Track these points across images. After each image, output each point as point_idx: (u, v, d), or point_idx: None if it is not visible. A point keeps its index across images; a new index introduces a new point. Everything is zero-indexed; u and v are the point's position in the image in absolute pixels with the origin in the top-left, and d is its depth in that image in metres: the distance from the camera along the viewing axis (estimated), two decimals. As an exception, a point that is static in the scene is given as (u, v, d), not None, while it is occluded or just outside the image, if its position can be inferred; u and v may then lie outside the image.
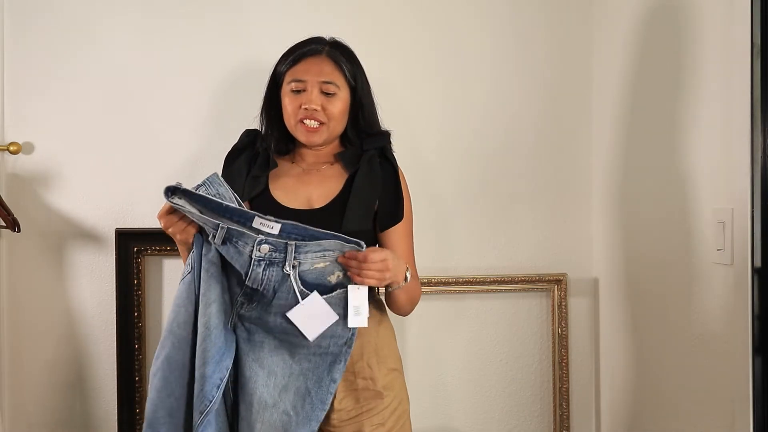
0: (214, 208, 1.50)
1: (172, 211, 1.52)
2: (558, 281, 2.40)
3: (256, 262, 1.50)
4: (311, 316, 1.51)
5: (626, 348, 2.27)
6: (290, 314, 1.51)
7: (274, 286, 1.52)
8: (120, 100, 2.22)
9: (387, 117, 2.30)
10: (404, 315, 1.77)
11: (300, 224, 1.53)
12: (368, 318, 1.59)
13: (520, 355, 2.43)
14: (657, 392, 2.08)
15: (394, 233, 1.72)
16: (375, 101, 1.77)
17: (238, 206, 1.53)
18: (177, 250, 2.18)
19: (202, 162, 2.20)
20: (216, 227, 1.49)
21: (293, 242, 1.50)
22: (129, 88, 2.22)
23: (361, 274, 1.52)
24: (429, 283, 2.34)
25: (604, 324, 2.41)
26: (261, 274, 1.52)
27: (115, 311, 2.18)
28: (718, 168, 1.77)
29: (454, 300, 2.39)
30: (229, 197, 1.54)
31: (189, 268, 1.58)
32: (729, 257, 1.72)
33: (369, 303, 1.60)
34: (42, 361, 2.20)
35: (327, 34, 1.78)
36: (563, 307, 2.40)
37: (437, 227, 2.37)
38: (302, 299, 1.51)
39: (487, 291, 2.38)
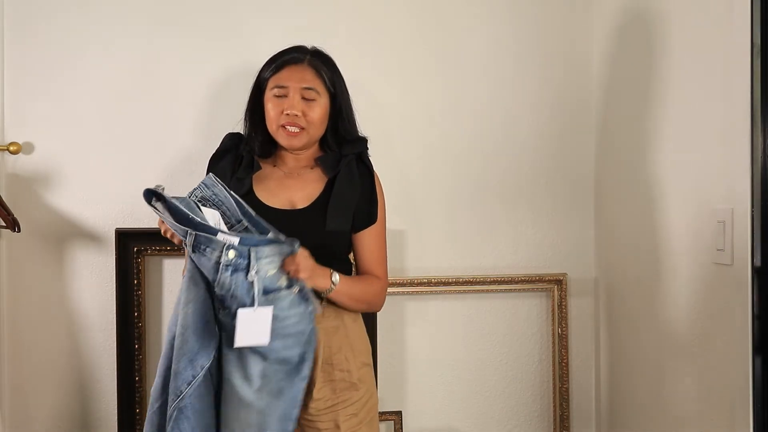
0: (183, 218, 1.55)
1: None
2: (558, 281, 2.40)
3: (223, 267, 1.54)
4: (252, 325, 1.54)
5: (626, 348, 2.27)
6: (239, 311, 1.54)
7: (240, 293, 1.55)
8: (120, 101, 2.22)
9: (387, 117, 2.32)
10: (366, 312, 1.85)
11: (253, 236, 1.58)
12: (345, 314, 1.73)
13: (520, 355, 2.43)
14: (657, 392, 2.08)
15: (367, 235, 1.79)
16: (353, 108, 1.83)
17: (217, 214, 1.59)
18: (177, 250, 2.20)
19: (200, 161, 2.18)
20: (185, 234, 1.54)
21: (255, 248, 1.55)
22: (128, 89, 2.22)
23: (299, 268, 1.58)
24: (429, 283, 2.34)
25: (604, 324, 2.41)
26: (229, 279, 1.55)
27: (115, 311, 2.18)
28: (718, 168, 1.77)
29: (454, 300, 2.39)
30: (224, 196, 1.60)
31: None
32: (729, 257, 1.72)
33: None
34: (42, 361, 2.20)
35: (323, 38, 1.84)
36: (563, 307, 2.40)
37: (437, 227, 2.37)
38: (257, 305, 1.54)
39: (487, 291, 2.38)
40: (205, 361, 1.57)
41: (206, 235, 1.53)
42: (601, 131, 2.41)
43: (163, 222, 1.59)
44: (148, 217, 2.23)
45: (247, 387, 1.57)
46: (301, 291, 1.58)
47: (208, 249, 1.53)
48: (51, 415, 2.21)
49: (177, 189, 2.21)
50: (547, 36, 2.41)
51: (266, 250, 1.54)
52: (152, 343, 2.24)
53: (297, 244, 1.57)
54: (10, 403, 2.19)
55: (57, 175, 2.19)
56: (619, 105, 2.29)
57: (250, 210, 1.62)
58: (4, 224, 2.05)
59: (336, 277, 1.68)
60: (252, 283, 1.54)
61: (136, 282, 2.19)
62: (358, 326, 1.80)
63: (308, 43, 1.81)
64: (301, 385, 1.59)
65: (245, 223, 1.61)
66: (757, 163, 1.65)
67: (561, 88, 2.42)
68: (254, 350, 1.56)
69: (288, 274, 1.56)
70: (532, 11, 2.40)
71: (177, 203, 1.55)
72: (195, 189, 1.61)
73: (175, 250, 2.21)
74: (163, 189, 1.55)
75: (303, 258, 1.58)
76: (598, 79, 2.40)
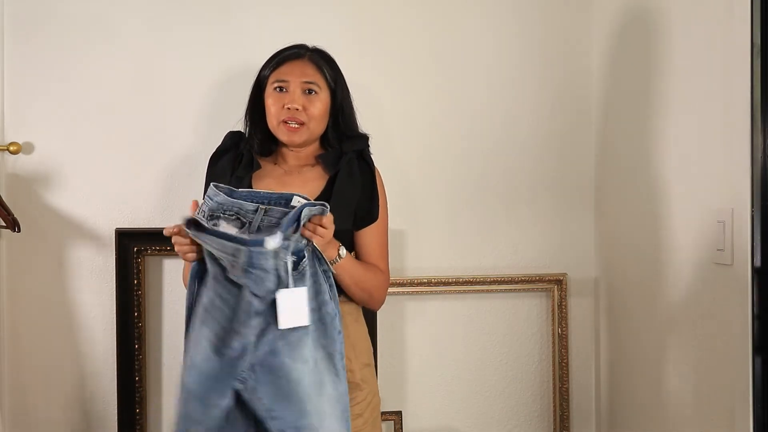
0: (231, 239, 1.50)
1: (179, 232, 1.56)
2: (558, 281, 2.40)
3: (284, 271, 1.50)
4: (291, 304, 1.53)
5: (626, 348, 2.27)
6: (279, 292, 1.50)
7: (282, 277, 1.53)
8: (120, 101, 2.22)
9: (387, 118, 2.32)
10: (366, 305, 1.80)
11: (287, 219, 1.53)
12: (346, 314, 1.70)
13: (520, 355, 2.43)
14: (657, 392, 2.08)
15: (369, 232, 1.78)
16: (354, 106, 1.83)
17: (245, 235, 1.54)
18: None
19: (200, 161, 2.18)
20: (235, 253, 1.48)
21: (294, 235, 1.52)
22: (128, 89, 2.22)
23: (316, 231, 1.54)
24: (429, 283, 2.34)
25: (604, 324, 2.41)
26: (291, 278, 1.52)
27: (115, 311, 2.19)
28: (718, 168, 1.77)
29: (454, 300, 2.39)
30: (230, 203, 1.56)
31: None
32: (729, 257, 1.72)
33: (346, 301, 1.72)
34: (42, 361, 2.20)
35: (323, 38, 1.84)
36: (563, 307, 2.40)
37: (437, 227, 2.37)
38: (292, 284, 1.52)
39: (487, 291, 2.38)
40: (217, 398, 1.53)
41: (259, 249, 1.47)
42: (601, 131, 2.41)
43: (181, 239, 1.55)
44: (148, 217, 2.23)
45: (308, 371, 1.53)
46: (314, 250, 1.56)
47: (263, 260, 1.48)
48: (51, 415, 2.21)
49: (177, 189, 2.24)
50: (547, 36, 2.41)
51: (305, 217, 1.52)
52: (152, 343, 2.24)
53: (327, 208, 1.54)
54: (10, 403, 2.19)
55: (57, 175, 2.19)
56: (619, 105, 2.29)
57: (262, 191, 1.58)
58: (4, 224, 2.05)
59: (343, 251, 1.67)
60: (285, 263, 1.50)
61: (136, 282, 2.19)
62: (360, 326, 1.79)
63: (309, 43, 1.81)
64: (341, 338, 1.58)
65: (263, 207, 1.57)
66: (757, 163, 1.65)
67: (561, 88, 2.42)
68: (296, 332, 1.53)
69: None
70: (533, 11, 2.40)
71: (219, 230, 1.51)
72: (201, 205, 1.57)
73: (174, 250, 2.21)
74: (197, 216, 1.54)
75: (329, 222, 1.55)
76: (598, 79, 2.40)
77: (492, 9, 2.38)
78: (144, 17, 2.23)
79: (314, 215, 1.53)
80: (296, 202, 1.55)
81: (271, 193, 1.58)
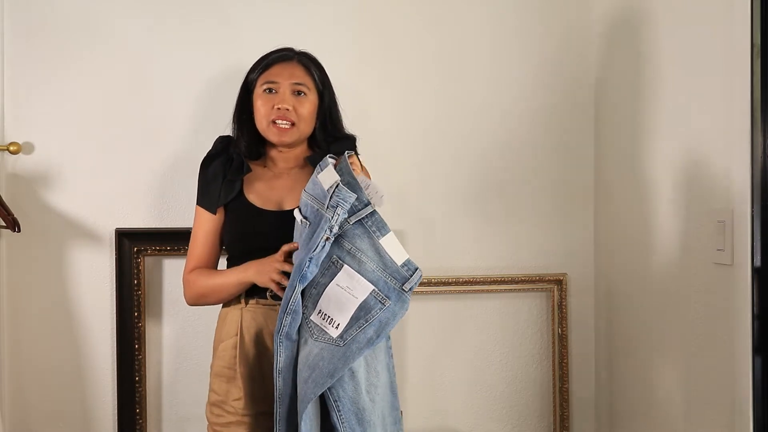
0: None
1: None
2: (558, 281, 2.40)
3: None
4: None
5: (626, 348, 2.27)
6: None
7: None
8: (119, 101, 2.22)
9: (387, 116, 2.32)
10: None
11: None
12: None
13: (520, 355, 2.43)
14: (657, 392, 2.08)
15: None
16: (340, 108, 1.87)
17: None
18: (176, 249, 2.20)
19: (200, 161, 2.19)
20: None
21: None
22: (129, 89, 2.22)
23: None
24: (429, 283, 2.34)
25: (604, 324, 2.41)
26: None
27: (115, 311, 2.19)
28: (718, 168, 1.77)
29: (454, 300, 2.39)
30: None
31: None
32: (729, 257, 1.72)
33: None
34: (42, 361, 2.20)
35: (322, 37, 1.89)
36: (563, 307, 2.40)
37: (437, 227, 2.37)
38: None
39: (487, 291, 2.38)
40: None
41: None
42: (600, 131, 2.41)
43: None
44: (147, 218, 2.23)
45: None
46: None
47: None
48: (51, 415, 2.21)
49: (177, 189, 2.23)
50: (547, 36, 2.41)
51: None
52: (152, 343, 2.24)
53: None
54: (10, 403, 2.19)
55: (57, 175, 2.19)
56: (619, 105, 2.29)
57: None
58: (4, 224, 2.05)
59: None
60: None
61: (135, 282, 2.19)
62: None
63: (304, 45, 1.84)
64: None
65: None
66: (757, 163, 1.65)
67: (561, 88, 2.42)
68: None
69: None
70: (533, 11, 2.40)
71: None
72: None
73: (175, 249, 2.21)
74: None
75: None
76: (598, 78, 2.40)
77: (492, 9, 2.38)
78: (143, 18, 2.23)
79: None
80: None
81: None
